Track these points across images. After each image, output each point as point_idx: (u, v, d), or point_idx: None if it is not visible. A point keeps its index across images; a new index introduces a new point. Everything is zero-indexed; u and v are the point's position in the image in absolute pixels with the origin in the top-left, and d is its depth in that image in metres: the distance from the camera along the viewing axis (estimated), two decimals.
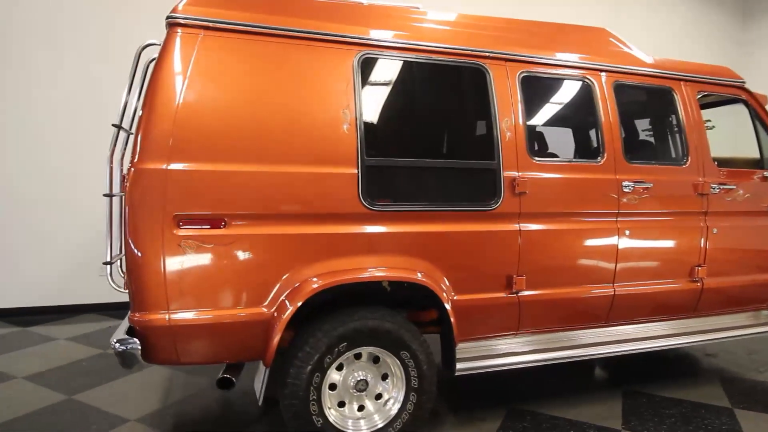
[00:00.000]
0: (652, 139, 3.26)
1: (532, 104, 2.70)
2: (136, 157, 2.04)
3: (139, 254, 2.03)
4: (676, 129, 3.05)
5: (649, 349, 2.98)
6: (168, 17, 2.17)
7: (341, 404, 2.38)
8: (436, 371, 2.47)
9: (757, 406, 3.03)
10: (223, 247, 2.11)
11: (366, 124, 2.33)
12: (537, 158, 2.62)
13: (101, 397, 3.06)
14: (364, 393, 2.39)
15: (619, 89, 2.89)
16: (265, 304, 2.17)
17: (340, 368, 2.35)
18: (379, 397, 2.43)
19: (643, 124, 3.27)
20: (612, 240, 2.77)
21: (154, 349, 2.09)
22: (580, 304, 2.78)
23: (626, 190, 2.78)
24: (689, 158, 2.99)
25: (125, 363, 2.07)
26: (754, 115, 3.28)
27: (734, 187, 3.09)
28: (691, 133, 3.02)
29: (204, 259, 2.09)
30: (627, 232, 2.79)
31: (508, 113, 2.57)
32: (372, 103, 2.40)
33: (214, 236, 2.10)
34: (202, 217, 2.08)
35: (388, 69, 2.46)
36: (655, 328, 3.04)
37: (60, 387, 3.20)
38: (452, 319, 2.41)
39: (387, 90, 2.48)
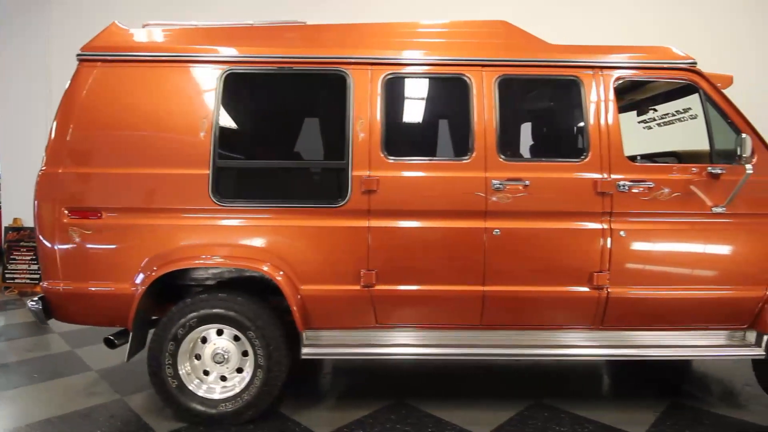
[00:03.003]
0: (543, 134, 2.98)
1: (397, 105, 2.77)
2: (43, 164, 2.70)
3: (42, 237, 2.68)
4: (576, 122, 2.77)
5: (533, 358, 2.79)
6: (77, 55, 2.80)
7: (206, 372, 2.77)
8: (286, 353, 2.71)
9: None
10: (99, 234, 2.67)
11: (221, 130, 2.69)
12: (393, 158, 2.68)
13: None
14: (224, 365, 2.75)
15: (505, 84, 2.76)
16: (130, 281, 2.67)
17: (204, 341, 2.75)
18: (240, 371, 2.76)
19: (539, 118, 3.00)
20: (479, 239, 2.68)
21: (54, 309, 2.74)
22: (443, 303, 2.74)
23: (496, 188, 2.66)
24: (589, 153, 2.71)
25: (38, 319, 2.75)
26: (707, 100, 2.80)
27: (653, 184, 2.70)
28: (594, 125, 2.73)
29: (86, 242, 2.67)
30: (496, 232, 2.67)
31: (364, 115, 2.69)
32: (230, 113, 2.74)
33: (92, 224, 2.67)
34: (84, 209, 2.66)
35: (250, 81, 2.78)
36: (544, 337, 2.82)
37: None
38: (293, 308, 2.63)
39: (246, 100, 2.80)
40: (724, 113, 2.79)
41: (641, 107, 3.67)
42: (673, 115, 3.65)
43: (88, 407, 2.96)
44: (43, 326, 4.48)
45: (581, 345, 2.83)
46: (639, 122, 3.91)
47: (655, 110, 3.65)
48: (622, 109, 3.86)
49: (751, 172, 2.57)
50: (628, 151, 3.78)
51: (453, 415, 2.85)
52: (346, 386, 3.35)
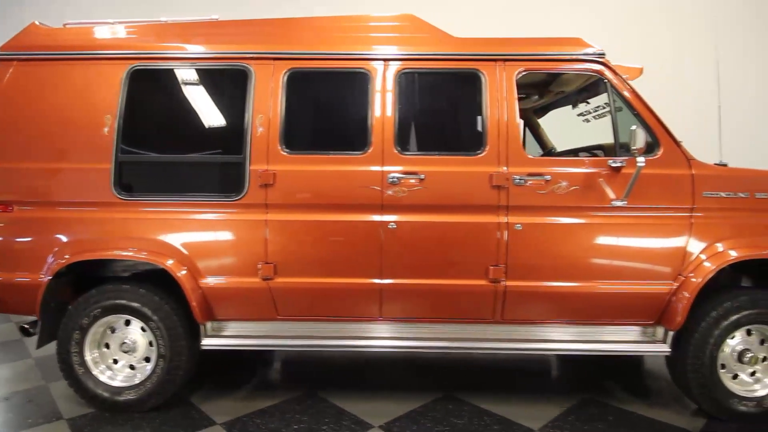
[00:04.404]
0: (443, 128, 2.94)
1: (298, 100, 2.79)
2: None
3: None
4: (476, 115, 2.74)
5: (432, 351, 2.81)
6: None
7: (116, 361, 2.86)
8: (187, 344, 2.77)
9: None
10: (11, 226, 2.77)
11: (125, 126, 2.75)
12: (291, 152, 2.71)
13: None
14: (131, 354, 2.83)
15: (406, 78, 2.76)
16: (42, 272, 2.76)
17: (113, 331, 2.84)
18: (149, 360, 2.84)
19: (440, 112, 2.97)
20: (375, 233, 2.69)
21: None
22: (342, 296, 2.77)
23: (391, 181, 2.67)
24: (487, 147, 2.70)
25: None
26: (614, 93, 2.75)
27: (550, 178, 2.67)
28: (493, 119, 2.71)
29: (1, 234, 2.77)
30: (392, 225, 2.68)
31: (264, 109, 2.73)
32: (134, 109, 2.80)
33: (4, 217, 2.77)
34: None
35: (155, 77, 2.84)
36: (446, 329, 2.82)
37: None
38: (192, 302, 2.68)
39: (151, 96, 2.86)
40: (630, 105, 2.74)
41: (575, 100, 3.62)
42: (604, 107, 3.58)
43: (12, 392, 3.10)
44: None
45: (482, 338, 2.83)
46: (578, 115, 3.85)
47: (588, 102, 3.59)
48: (556, 103, 3.87)
49: (642, 164, 2.52)
50: (567, 145, 3.78)
51: (355, 406, 2.89)
52: (266, 377, 3.42)
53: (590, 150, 3.26)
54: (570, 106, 3.71)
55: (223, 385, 3.21)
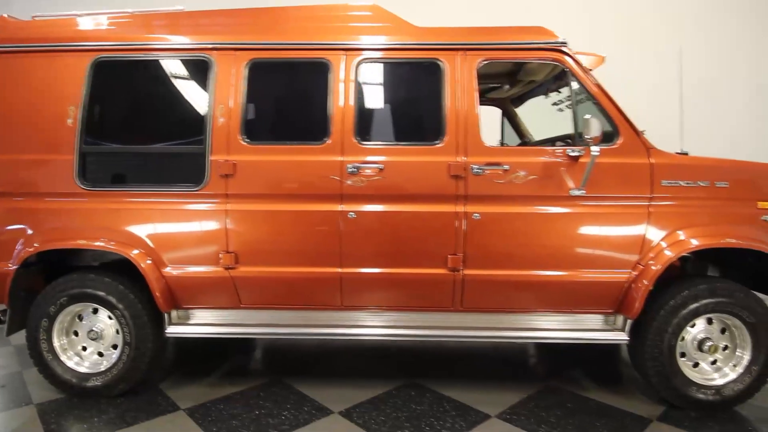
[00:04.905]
0: (403, 118, 2.94)
1: (259, 90, 2.81)
2: None
3: None
4: (436, 105, 2.74)
5: (393, 338, 2.85)
6: None
7: (84, 348, 2.92)
8: (153, 332, 2.83)
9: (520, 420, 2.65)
10: None
11: (88, 117, 2.79)
12: (251, 142, 2.74)
13: None
14: (99, 342, 2.89)
15: (367, 68, 2.77)
16: (10, 261, 2.82)
17: (81, 318, 2.89)
18: (116, 347, 2.90)
19: (400, 102, 2.97)
20: (335, 222, 2.72)
21: None
22: (303, 285, 2.80)
23: (350, 171, 2.69)
24: (446, 137, 2.71)
25: None
26: (574, 81, 2.74)
27: (508, 167, 2.68)
28: (452, 108, 2.71)
29: None
30: (351, 215, 2.71)
31: (225, 100, 2.75)
32: (98, 100, 2.83)
33: None
34: None
35: (118, 69, 2.86)
36: (408, 318, 2.85)
37: None
38: (155, 292, 2.73)
39: (114, 87, 2.88)
40: (590, 94, 2.74)
41: (546, 89, 3.61)
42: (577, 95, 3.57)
43: None
44: None
45: (442, 326, 2.86)
46: (552, 105, 3.84)
47: (560, 92, 3.58)
48: (531, 92, 3.85)
49: (597, 153, 2.52)
50: (545, 135, 3.76)
51: (318, 392, 2.94)
52: (237, 365, 3.46)
53: (564, 139, 3.26)
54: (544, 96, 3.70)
55: (194, 372, 3.27)
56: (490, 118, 4.34)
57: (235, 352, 3.67)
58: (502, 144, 4.25)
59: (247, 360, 3.59)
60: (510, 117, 4.18)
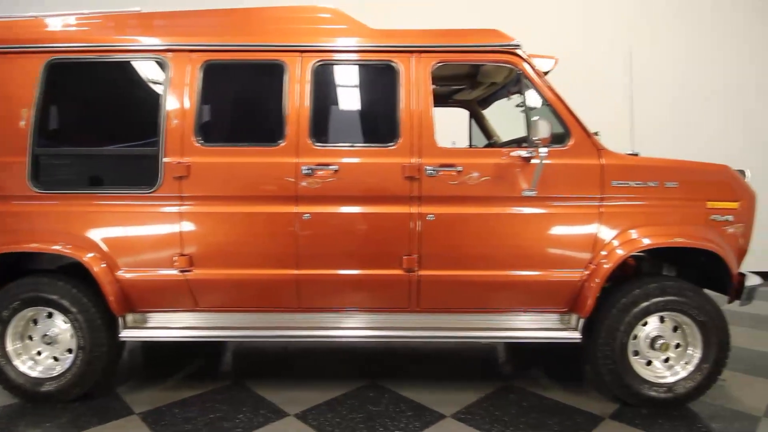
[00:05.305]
0: (359, 120, 2.96)
1: (215, 91, 2.81)
2: None
3: None
4: (391, 107, 2.76)
5: (352, 339, 2.86)
6: None
7: (40, 353, 2.89)
8: (107, 336, 2.80)
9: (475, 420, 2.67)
10: None
11: (41, 119, 2.76)
12: (205, 144, 2.73)
13: None
14: (54, 346, 2.86)
15: (321, 70, 2.78)
16: None
17: (36, 323, 2.86)
18: (72, 351, 2.87)
19: (357, 104, 2.99)
20: (290, 224, 2.72)
21: None
22: (260, 287, 2.80)
23: (305, 173, 2.69)
24: (400, 139, 2.72)
25: None
26: (526, 83, 2.78)
27: (461, 168, 2.70)
28: (407, 110, 2.73)
29: None
30: (306, 216, 2.71)
31: (179, 102, 2.74)
32: (51, 101, 2.80)
33: None
34: None
35: (72, 70, 2.83)
36: (366, 319, 2.86)
37: None
38: (108, 296, 2.71)
39: (68, 89, 2.86)
40: (542, 96, 2.77)
41: (507, 91, 3.63)
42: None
43: None
44: None
45: (400, 327, 2.87)
46: (516, 106, 3.87)
47: (522, 94, 3.60)
48: (496, 94, 3.87)
49: (545, 155, 2.55)
50: (514, 136, 3.79)
51: (276, 395, 2.93)
52: (200, 368, 3.44)
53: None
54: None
55: (155, 376, 3.25)
56: (459, 120, 4.42)
57: (200, 355, 3.65)
58: (470, 146, 4.29)
59: (210, 363, 3.57)
60: (477, 119, 4.21)
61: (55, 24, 2.93)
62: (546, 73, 3.43)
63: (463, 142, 4.37)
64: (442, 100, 4.13)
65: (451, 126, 4.42)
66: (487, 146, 3.96)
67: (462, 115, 4.28)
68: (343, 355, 3.61)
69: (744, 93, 5.73)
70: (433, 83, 3.72)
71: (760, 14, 5.72)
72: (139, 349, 3.75)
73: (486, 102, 4.11)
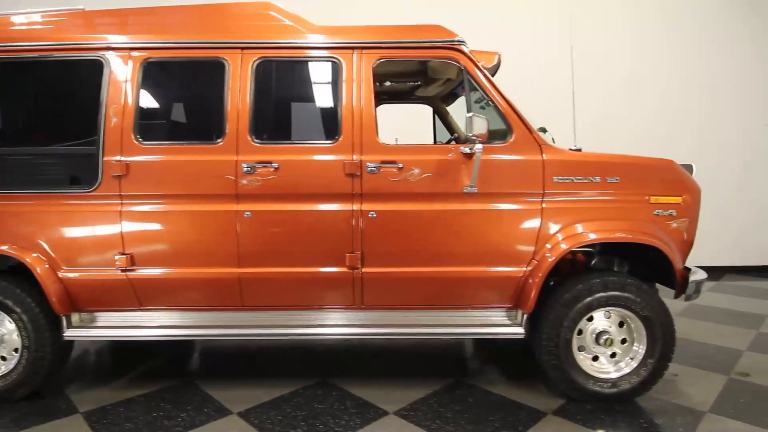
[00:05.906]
0: (300, 117, 2.96)
1: (154, 89, 2.79)
2: None
3: None
4: (332, 104, 2.75)
5: (296, 337, 2.85)
6: None
7: None
8: (52, 336, 2.80)
9: (417, 417, 2.67)
10: None
11: None
12: (145, 142, 2.72)
13: None
14: (1, 345, 2.86)
15: (263, 67, 2.76)
16: None
17: None
18: (17, 351, 2.87)
19: (299, 100, 2.99)
20: (231, 223, 2.71)
21: None
22: (202, 286, 2.79)
23: (246, 171, 2.68)
24: (341, 136, 2.71)
25: None
26: (468, 79, 2.76)
27: (402, 165, 2.69)
28: (347, 107, 2.72)
29: None
30: (247, 214, 2.70)
31: (118, 100, 2.73)
32: None
33: None
34: None
35: (10, 69, 2.81)
36: (311, 316, 2.86)
37: None
38: (50, 297, 2.70)
39: (7, 88, 2.84)
40: (484, 91, 2.76)
41: (462, 87, 3.61)
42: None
43: None
44: None
45: (345, 324, 2.86)
46: (474, 102, 3.86)
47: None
48: (454, 91, 3.85)
49: (479, 151, 2.55)
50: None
51: (223, 393, 2.94)
52: (151, 367, 3.43)
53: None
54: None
55: (106, 375, 3.25)
56: (422, 116, 4.40)
57: (156, 354, 3.65)
58: (435, 142, 4.28)
59: (162, 361, 3.56)
60: (441, 115, 4.19)
61: (4, 23, 2.91)
62: (495, 72, 3.42)
63: (428, 140, 4.37)
64: (403, 96, 4.12)
65: (418, 123, 4.46)
66: (447, 142, 3.95)
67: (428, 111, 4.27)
68: (297, 354, 3.60)
69: (699, 89, 5.81)
70: (382, 80, 3.75)
71: (708, 7, 5.75)
72: (94, 349, 3.74)
73: (450, 98, 4.10)
